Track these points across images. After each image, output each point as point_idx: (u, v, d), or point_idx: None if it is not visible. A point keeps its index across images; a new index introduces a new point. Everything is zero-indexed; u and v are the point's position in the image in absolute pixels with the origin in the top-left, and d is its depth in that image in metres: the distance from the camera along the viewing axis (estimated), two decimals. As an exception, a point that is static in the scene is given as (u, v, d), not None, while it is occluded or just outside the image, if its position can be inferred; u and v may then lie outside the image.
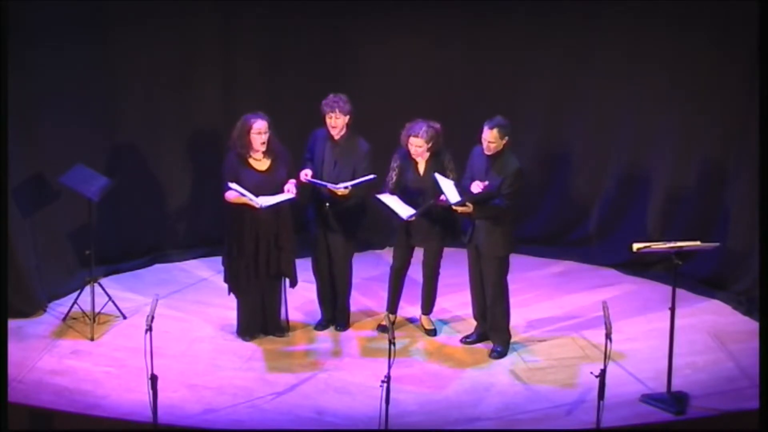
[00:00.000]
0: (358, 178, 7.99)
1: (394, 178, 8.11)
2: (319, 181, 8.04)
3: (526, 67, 9.83)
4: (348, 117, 8.07)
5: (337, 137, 8.12)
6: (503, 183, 7.72)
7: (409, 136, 7.99)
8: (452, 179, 7.93)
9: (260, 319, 8.24)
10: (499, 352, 8.06)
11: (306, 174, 8.07)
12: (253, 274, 8.04)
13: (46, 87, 8.63)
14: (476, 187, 7.79)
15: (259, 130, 7.86)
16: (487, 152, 7.78)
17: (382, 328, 8.34)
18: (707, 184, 9.22)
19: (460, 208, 7.71)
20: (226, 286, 8.19)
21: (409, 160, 8.09)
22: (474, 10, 9.72)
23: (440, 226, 8.14)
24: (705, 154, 9.21)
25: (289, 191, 7.92)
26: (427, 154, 8.06)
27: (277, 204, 7.85)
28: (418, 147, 7.98)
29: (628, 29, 9.39)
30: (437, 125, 8.02)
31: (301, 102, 9.34)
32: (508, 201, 7.72)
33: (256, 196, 7.77)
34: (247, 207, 7.84)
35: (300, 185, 8.06)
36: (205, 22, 9.52)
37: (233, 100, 9.55)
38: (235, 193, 7.80)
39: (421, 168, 8.10)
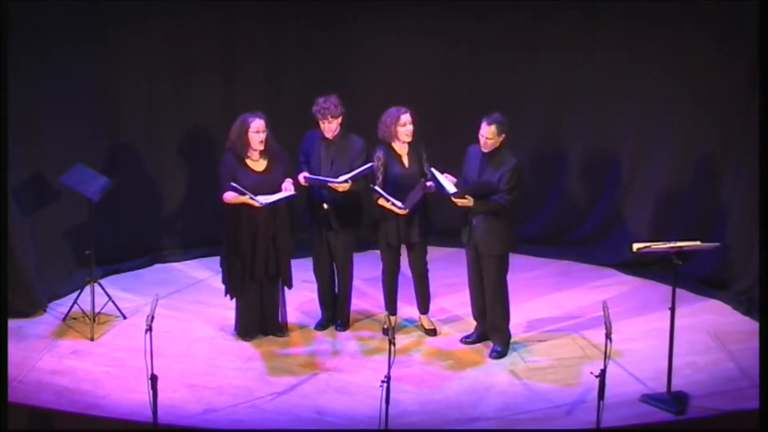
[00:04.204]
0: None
1: (380, 177, 8.09)
2: (319, 177, 8.02)
3: (527, 66, 9.82)
4: (341, 117, 8.07)
5: (331, 137, 8.12)
6: (501, 179, 7.71)
7: (399, 116, 7.99)
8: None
9: (259, 319, 8.23)
10: (499, 352, 8.05)
11: (304, 176, 8.07)
12: (249, 275, 8.02)
13: (47, 87, 8.63)
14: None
15: (257, 128, 7.85)
16: (484, 149, 7.77)
17: (386, 332, 8.33)
18: (707, 183, 9.22)
19: (459, 201, 7.72)
20: (223, 287, 8.17)
21: (391, 154, 8.09)
22: (475, 10, 9.72)
23: (421, 225, 8.14)
24: (705, 154, 9.20)
25: (288, 189, 7.92)
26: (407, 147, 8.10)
27: (277, 201, 7.84)
28: (410, 124, 8.00)
29: (628, 29, 9.38)
30: None
31: (301, 102, 9.28)
32: (508, 197, 7.72)
33: (255, 195, 7.76)
34: (244, 207, 7.83)
35: (300, 187, 8.05)
36: (204, 23, 9.53)
37: (233, 101, 9.55)
38: (233, 193, 7.80)
39: (406, 161, 8.10)
